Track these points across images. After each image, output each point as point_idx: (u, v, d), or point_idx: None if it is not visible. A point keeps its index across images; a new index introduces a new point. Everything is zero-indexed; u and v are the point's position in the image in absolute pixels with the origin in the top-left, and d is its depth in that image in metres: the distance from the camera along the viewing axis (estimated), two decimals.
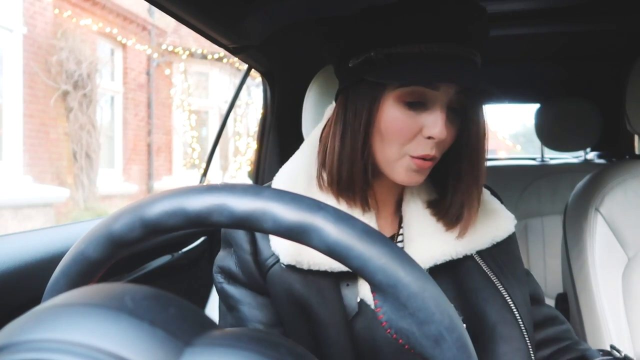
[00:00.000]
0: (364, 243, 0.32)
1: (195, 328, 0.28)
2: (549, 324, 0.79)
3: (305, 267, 0.64)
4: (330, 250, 0.33)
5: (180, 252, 1.27)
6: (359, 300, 0.66)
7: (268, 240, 0.68)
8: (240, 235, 0.70)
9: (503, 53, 1.70)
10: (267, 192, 0.34)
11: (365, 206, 0.69)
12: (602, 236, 1.06)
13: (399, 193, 0.75)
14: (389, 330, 0.35)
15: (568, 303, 1.19)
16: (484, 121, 0.68)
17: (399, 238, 0.74)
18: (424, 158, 0.65)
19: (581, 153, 2.22)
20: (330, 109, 0.76)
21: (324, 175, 0.69)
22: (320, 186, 0.70)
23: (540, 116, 1.96)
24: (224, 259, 0.73)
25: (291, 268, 0.65)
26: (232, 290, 0.71)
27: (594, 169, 1.19)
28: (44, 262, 0.82)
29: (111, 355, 0.24)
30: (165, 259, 1.21)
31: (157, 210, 0.35)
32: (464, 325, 0.61)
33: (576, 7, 1.24)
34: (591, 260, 1.06)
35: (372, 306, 0.66)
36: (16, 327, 0.27)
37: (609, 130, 1.97)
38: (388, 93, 0.63)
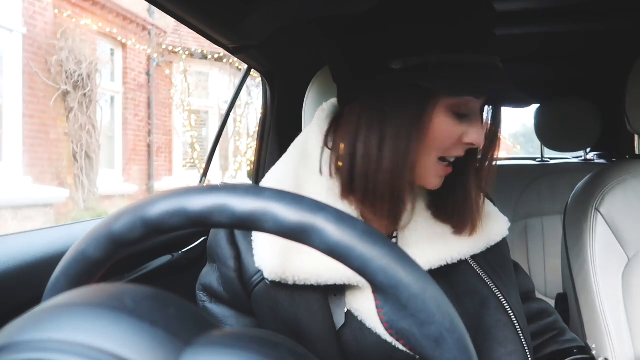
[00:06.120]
0: (365, 244, 0.32)
1: (195, 328, 0.28)
2: (539, 317, 0.80)
3: (290, 282, 0.62)
4: (332, 251, 0.33)
5: (180, 252, 1.27)
6: (346, 310, 0.65)
7: (253, 256, 0.66)
8: (225, 251, 0.67)
9: (503, 53, 1.69)
10: (268, 193, 0.34)
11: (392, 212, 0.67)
12: (602, 236, 1.06)
13: None
14: (390, 331, 0.35)
15: (568, 303, 1.19)
16: (501, 122, 0.69)
17: (392, 241, 0.72)
18: (449, 162, 0.66)
19: (581, 153, 2.23)
20: (322, 111, 0.73)
21: (341, 182, 0.66)
22: (338, 194, 0.67)
23: (540, 116, 1.96)
24: (206, 275, 0.71)
25: (277, 284, 0.63)
26: (215, 309, 0.69)
27: (594, 169, 1.19)
28: (44, 262, 0.82)
29: (111, 355, 0.24)
30: (165, 259, 1.21)
31: (158, 210, 0.35)
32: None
33: (576, 7, 1.24)
34: (591, 260, 1.06)
35: (359, 317, 0.64)
36: (16, 327, 0.27)
37: (609, 130, 1.97)
38: (438, 101, 0.61)
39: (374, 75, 0.62)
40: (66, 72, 6.18)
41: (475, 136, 0.63)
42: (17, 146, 5.63)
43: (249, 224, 0.33)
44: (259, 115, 1.64)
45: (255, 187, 0.35)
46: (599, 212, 1.07)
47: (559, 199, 1.92)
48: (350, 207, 0.67)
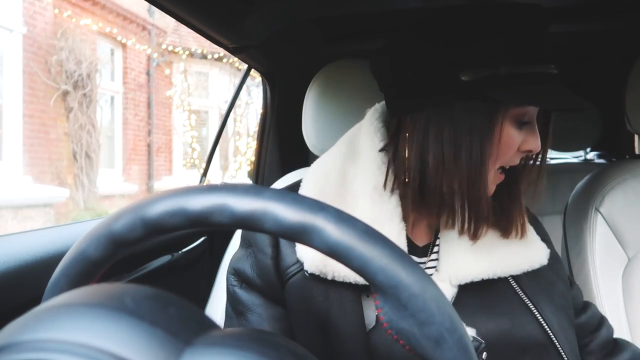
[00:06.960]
0: (364, 243, 0.32)
1: (195, 328, 0.28)
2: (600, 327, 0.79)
3: (329, 277, 0.62)
4: (331, 251, 0.32)
5: (180, 252, 1.27)
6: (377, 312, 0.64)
7: (293, 246, 0.65)
8: (263, 237, 0.66)
9: None
10: (268, 192, 0.34)
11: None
12: (602, 236, 1.06)
13: None
14: (389, 331, 0.35)
15: None
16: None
17: (435, 249, 0.70)
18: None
19: (581, 153, 2.23)
20: (375, 111, 0.72)
21: (410, 197, 0.66)
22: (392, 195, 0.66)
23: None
24: (240, 260, 0.69)
25: (314, 278, 0.63)
26: (244, 295, 0.68)
27: (594, 169, 1.19)
28: (44, 262, 0.82)
29: (111, 355, 0.24)
30: (165, 259, 1.21)
31: (158, 210, 0.35)
32: (484, 343, 0.61)
33: (576, 7, 1.24)
34: (591, 260, 1.06)
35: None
36: (16, 327, 0.27)
37: (609, 130, 1.97)
38: (505, 111, 0.62)
39: (444, 87, 0.62)
40: (66, 72, 6.18)
41: (535, 143, 0.64)
42: (17, 146, 5.63)
43: (249, 223, 0.33)
44: (259, 115, 1.64)
45: (255, 187, 0.35)
46: (599, 212, 1.07)
47: (559, 199, 1.91)
48: (397, 207, 0.66)
